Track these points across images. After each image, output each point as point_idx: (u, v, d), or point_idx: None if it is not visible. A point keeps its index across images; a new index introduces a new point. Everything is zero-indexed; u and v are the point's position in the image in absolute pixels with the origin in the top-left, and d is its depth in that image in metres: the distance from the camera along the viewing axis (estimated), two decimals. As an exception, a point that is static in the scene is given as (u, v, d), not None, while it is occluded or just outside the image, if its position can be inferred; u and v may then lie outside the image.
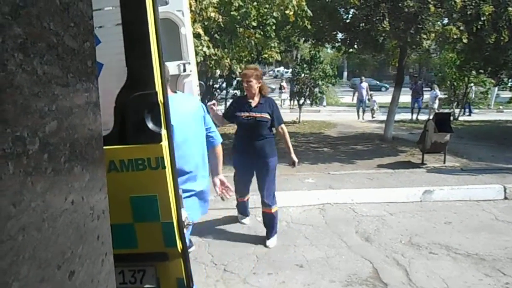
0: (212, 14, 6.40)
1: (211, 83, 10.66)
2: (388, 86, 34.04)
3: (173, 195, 2.22)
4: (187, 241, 3.96)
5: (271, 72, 49.62)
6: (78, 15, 0.88)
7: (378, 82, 35.18)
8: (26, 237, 0.67)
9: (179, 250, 2.32)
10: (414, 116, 16.87)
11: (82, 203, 0.88)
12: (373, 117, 17.34)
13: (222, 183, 3.10)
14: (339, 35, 10.54)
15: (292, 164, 4.32)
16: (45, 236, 0.72)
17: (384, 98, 19.53)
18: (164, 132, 2.14)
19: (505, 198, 5.72)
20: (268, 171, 4.17)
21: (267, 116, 4.05)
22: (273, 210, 4.26)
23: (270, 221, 4.31)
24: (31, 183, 0.69)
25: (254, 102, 4.09)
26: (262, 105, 4.08)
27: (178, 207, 2.25)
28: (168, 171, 2.17)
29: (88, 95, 0.93)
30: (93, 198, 0.97)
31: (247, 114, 4.08)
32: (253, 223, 4.77)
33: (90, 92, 0.94)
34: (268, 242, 4.27)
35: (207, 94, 9.97)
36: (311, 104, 15.50)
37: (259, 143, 4.11)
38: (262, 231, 4.53)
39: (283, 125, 4.21)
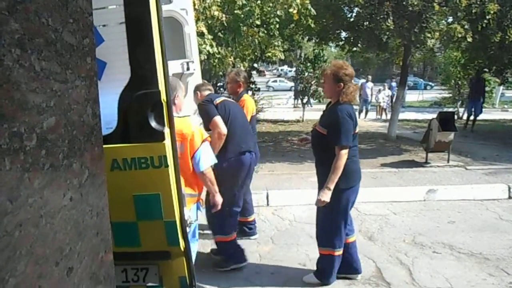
0: (216, 13, 6.39)
1: (214, 81, 10.65)
2: (433, 85, 33.19)
3: (176, 194, 2.22)
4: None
5: (274, 71, 49.69)
6: (77, 11, 0.88)
7: (422, 80, 34.29)
8: (23, 233, 0.67)
9: (182, 248, 2.33)
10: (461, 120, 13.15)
11: (81, 200, 0.88)
12: (379, 116, 16.75)
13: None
14: (343, 34, 10.50)
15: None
16: (43, 233, 0.72)
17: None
18: (167, 130, 2.14)
19: (509, 197, 5.67)
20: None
21: (322, 130, 3.15)
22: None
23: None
24: (28, 179, 0.68)
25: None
26: (327, 114, 3.26)
27: (181, 206, 2.25)
28: (171, 169, 2.17)
29: (88, 91, 0.92)
30: (93, 195, 0.96)
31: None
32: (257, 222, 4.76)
33: (90, 89, 0.93)
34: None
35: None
36: (308, 103, 15.36)
37: (317, 165, 3.33)
38: (265, 230, 4.53)
39: (338, 147, 3.03)
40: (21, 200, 0.67)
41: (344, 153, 3.01)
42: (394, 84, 17.86)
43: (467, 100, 12.97)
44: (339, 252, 3.30)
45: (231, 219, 3.67)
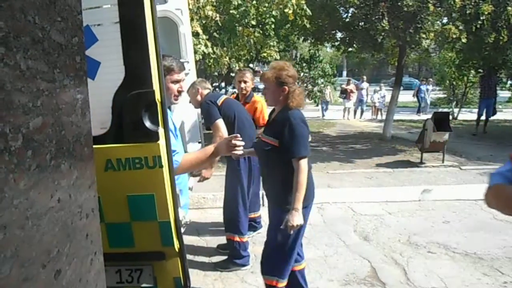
0: (210, 13, 6.38)
1: (210, 82, 10.66)
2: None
3: (170, 194, 2.20)
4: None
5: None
6: (66, 10, 0.86)
7: (418, 81, 34.44)
8: (8, 235, 0.65)
9: (176, 249, 2.31)
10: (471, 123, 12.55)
11: (69, 201, 0.87)
12: (374, 116, 16.80)
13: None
14: (339, 34, 10.54)
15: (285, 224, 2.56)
16: (29, 235, 0.71)
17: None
18: (161, 130, 2.13)
19: (504, 197, 5.70)
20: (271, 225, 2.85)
21: (273, 140, 2.67)
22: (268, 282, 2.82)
23: None
24: (13, 180, 0.67)
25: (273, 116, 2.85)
26: (276, 122, 2.75)
27: (175, 206, 2.24)
28: (165, 170, 2.15)
29: (77, 91, 0.91)
30: (82, 196, 0.95)
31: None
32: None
33: (79, 88, 0.92)
34: None
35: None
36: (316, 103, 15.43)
37: (267, 181, 2.91)
38: (259, 230, 4.51)
39: (296, 159, 2.59)
40: (6, 202, 0.66)
41: (304, 165, 2.58)
42: (429, 87, 18.21)
43: (479, 99, 11.97)
44: (283, 283, 2.80)
45: (245, 218, 3.83)
